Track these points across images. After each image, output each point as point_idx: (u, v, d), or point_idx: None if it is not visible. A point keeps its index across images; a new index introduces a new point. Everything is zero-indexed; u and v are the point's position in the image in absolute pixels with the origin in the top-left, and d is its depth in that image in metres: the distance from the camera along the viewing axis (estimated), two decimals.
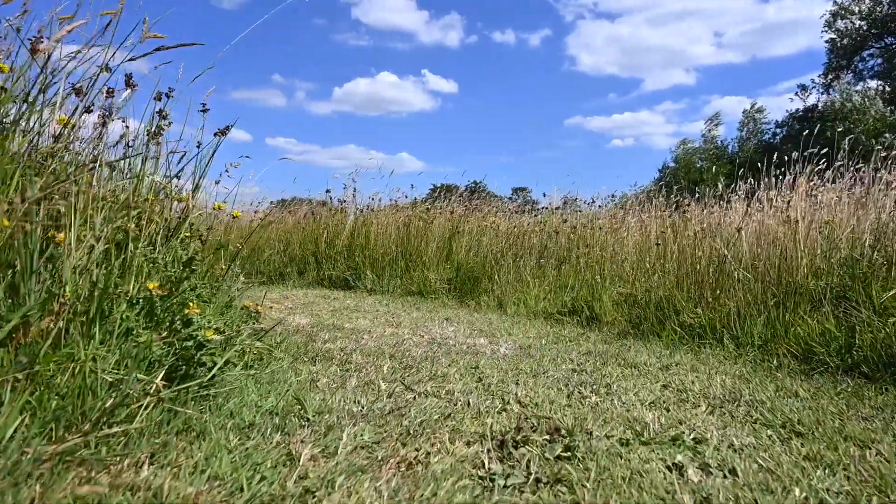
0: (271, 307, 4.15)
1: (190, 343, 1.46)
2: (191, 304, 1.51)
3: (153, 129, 2.26)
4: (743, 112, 38.47)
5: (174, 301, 1.53)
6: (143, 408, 1.30)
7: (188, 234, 2.07)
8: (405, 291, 5.73)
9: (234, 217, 2.06)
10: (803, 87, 33.42)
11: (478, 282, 5.39)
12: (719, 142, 38.75)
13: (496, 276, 5.23)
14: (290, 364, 2.32)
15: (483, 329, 3.67)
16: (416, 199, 7.37)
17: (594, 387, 2.11)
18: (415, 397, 1.92)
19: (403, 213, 6.84)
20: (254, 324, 2.22)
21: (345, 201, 7.16)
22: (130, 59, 1.75)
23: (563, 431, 1.50)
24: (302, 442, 1.38)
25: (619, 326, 3.71)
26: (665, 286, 3.71)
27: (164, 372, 1.38)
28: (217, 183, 2.28)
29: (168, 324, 1.52)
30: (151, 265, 1.60)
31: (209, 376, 1.50)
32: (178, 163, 2.47)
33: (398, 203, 7.07)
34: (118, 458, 1.14)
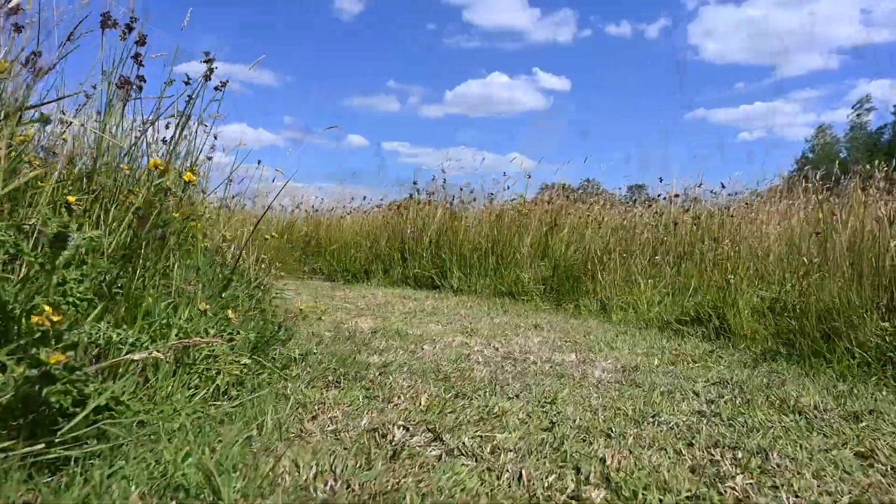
0: (301, 309, 3.64)
1: (34, 372, 0.89)
2: (46, 307, 0.95)
3: (127, 78, 1.76)
4: None
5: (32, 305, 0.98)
6: None
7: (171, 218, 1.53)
8: (494, 292, 5.05)
9: (188, 183, 1.49)
10: None
11: (578, 282, 4.62)
12: (871, 129, 34.21)
13: (600, 276, 4.39)
14: (298, 387, 1.73)
15: (577, 341, 2.90)
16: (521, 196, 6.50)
17: (737, 453, 1.29)
18: (439, 457, 1.23)
19: (497, 206, 6.13)
20: (234, 334, 1.65)
21: (433, 193, 6.58)
22: None
23: None
24: None
25: (763, 343, 2.78)
26: (830, 290, 2.71)
27: None
28: (215, 141, 1.74)
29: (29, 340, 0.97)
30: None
31: (70, 426, 0.92)
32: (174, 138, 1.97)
33: (493, 194, 6.35)
34: None
